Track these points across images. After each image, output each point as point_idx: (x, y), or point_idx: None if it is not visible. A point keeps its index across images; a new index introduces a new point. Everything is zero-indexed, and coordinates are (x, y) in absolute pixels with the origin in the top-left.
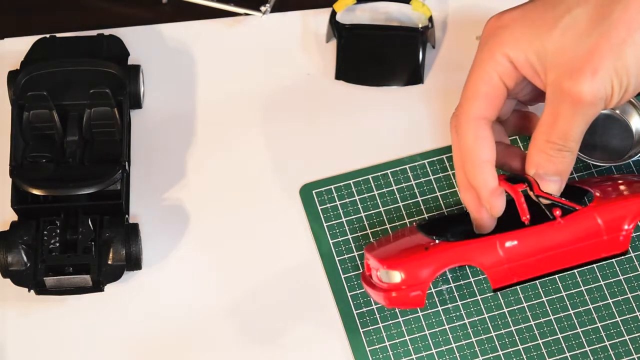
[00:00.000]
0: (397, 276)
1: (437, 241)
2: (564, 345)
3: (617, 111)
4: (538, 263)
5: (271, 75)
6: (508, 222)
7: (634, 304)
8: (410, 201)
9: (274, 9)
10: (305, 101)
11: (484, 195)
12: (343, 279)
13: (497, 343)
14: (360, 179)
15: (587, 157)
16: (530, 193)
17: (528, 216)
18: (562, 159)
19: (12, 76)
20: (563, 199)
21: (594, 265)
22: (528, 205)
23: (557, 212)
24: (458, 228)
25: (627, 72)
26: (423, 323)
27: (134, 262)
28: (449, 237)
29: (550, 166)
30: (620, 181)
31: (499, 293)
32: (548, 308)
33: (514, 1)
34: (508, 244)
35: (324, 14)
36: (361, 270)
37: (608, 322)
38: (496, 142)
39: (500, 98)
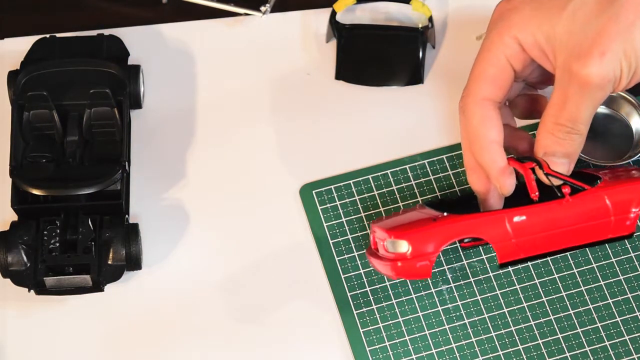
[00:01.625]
0: (404, 245)
1: (445, 214)
2: (564, 345)
3: (618, 111)
4: (545, 240)
5: (271, 75)
6: (514, 205)
7: (634, 304)
8: (410, 201)
9: (274, 9)
10: (305, 101)
11: (493, 174)
12: (343, 278)
13: (497, 343)
14: (360, 179)
15: (587, 156)
16: (540, 172)
17: (537, 193)
18: (570, 141)
19: (12, 76)
20: (572, 179)
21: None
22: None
23: (566, 190)
24: (465, 209)
25: (635, 54)
26: (423, 323)
27: (134, 262)
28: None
29: (559, 148)
30: (630, 169)
31: (499, 293)
32: (548, 308)
33: None
34: (516, 219)
35: (324, 14)
36: (366, 248)
37: (608, 322)
38: (503, 125)
39: (508, 80)
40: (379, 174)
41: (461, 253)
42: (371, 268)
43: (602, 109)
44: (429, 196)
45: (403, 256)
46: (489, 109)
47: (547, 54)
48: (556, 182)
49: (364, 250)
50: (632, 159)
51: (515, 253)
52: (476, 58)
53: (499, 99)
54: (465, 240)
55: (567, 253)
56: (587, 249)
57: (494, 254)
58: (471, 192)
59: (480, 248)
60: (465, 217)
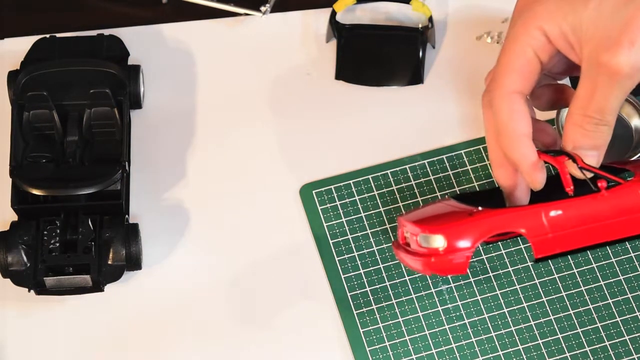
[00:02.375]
0: (439, 240)
1: (480, 208)
2: (564, 345)
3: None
4: (581, 234)
5: (271, 75)
6: (539, 199)
7: (634, 304)
8: (410, 201)
9: (274, 9)
10: (305, 101)
11: (524, 169)
12: (343, 278)
13: (497, 343)
14: (360, 179)
15: None
16: (572, 166)
17: (572, 187)
18: (599, 133)
19: (12, 76)
20: (606, 172)
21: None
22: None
23: (602, 184)
24: (487, 204)
25: None
26: (423, 323)
27: (134, 262)
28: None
29: (588, 141)
30: None
31: (499, 293)
32: (548, 308)
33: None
34: (553, 213)
35: (324, 14)
36: (393, 240)
37: (608, 322)
38: None
39: (535, 72)
40: (379, 174)
41: None
42: (371, 268)
43: None
44: (447, 191)
45: (437, 251)
46: (517, 102)
47: (572, 45)
48: (587, 175)
49: (364, 250)
50: (632, 159)
51: (551, 248)
52: (502, 51)
53: (526, 91)
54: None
55: (597, 249)
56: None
57: (494, 254)
58: (491, 187)
59: (480, 248)
60: (502, 211)
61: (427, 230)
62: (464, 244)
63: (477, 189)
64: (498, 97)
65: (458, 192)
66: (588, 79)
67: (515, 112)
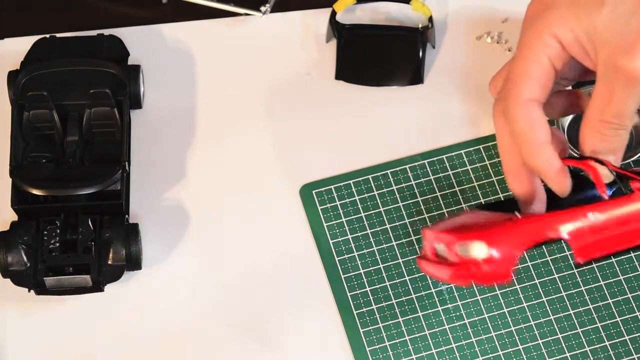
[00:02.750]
0: (481, 248)
1: (518, 215)
2: (564, 345)
3: None
4: (618, 237)
5: (271, 75)
6: (553, 206)
7: (634, 304)
8: (410, 201)
9: (274, 9)
10: (305, 101)
11: (551, 176)
12: (343, 279)
13: (497, 343)
14: (360, 179)
15: None
16: (602, 169)
17: (605, 188)
18: (617, 137)
19: (12, 76)
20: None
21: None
22: (580, 181)
23: (636, 185)
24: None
25: None
26: (423, 323)
27: (134, 262)
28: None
29: (606, 145)
30: None
31: (499, 293)
32: (548, 308)
33: (516, 2)
34: (593, 216)
35: (324, 14)
36: (417, 256)
37: (608, 322)
38: None
39: (550, 80)
40: (379, 174)
41: None
42: (371, 268)
43: None
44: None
45: (478, 261)
46: (535, 110)
47: (587, 51)
48: (611, 177)
49: (364, 250)
50: (632, 159)
51: (591, 252)
52: (515, 59)
53: (542, 99)
54: None
55: (632, 252)
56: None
57: None
58: (511, 197)
59: None
60: (544, 216)
61: (466, 238)
62: (508, 251)
63: (477, 189)
64: (515, 107)
65: (483, 203)
66: (604, 84)
67: (534, 120)
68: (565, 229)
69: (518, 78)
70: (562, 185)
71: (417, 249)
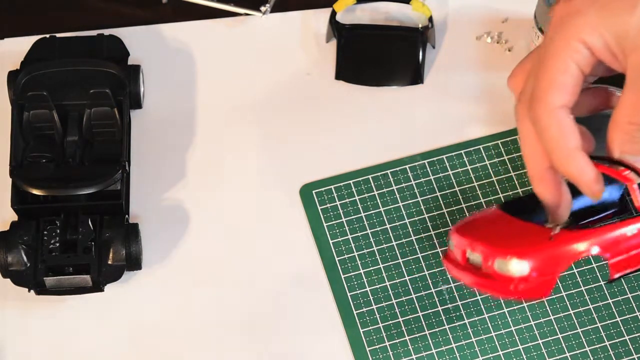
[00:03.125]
0: (522, 267)
1: (557, 230)
2: (564, 345)
3: None
4: None
5: (271, 75)
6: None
7: (634, 304)
8: (410, 201)
9: (274, 9)
10: (305, 101)
11: (585, 182)
12: (343, 278)
13: (497, 343)
14: (360, 179)
15: None
16: (637, 179)
17: None
18: None
19: (12, 76)
20: None
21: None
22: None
23: None
24: (535, 213)
25: None
26: (423, 323)
27: (134, 262)
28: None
29: (634, 147)
30: None
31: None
32: (548, 308)
33: (516, 2)
34: (630, 231)
35: (324, 14)
36: (443, 256)
37: (608, 322)
38: None
39: (579, 85)
40: (379, 174)
41: None
42: (371, 268)
43: None
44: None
45: (514, 278)
46: (564, 117)
47: (616, 55)
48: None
49: (364, 250)
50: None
51: (626, 266)
52: (542, 65)
53: (571, 105)
54: None
55: None
56: None
57: None
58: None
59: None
60: (582, 234)
61: (506, 253)
62: (550, 271)
63: (478, 189)
64: (545, 114)
65: (503, 201)
66: (634, 87)
67: (565, 126)
68: (605, 247)
69: (547, 86)
70: (596, 191)
71: (417, 249)
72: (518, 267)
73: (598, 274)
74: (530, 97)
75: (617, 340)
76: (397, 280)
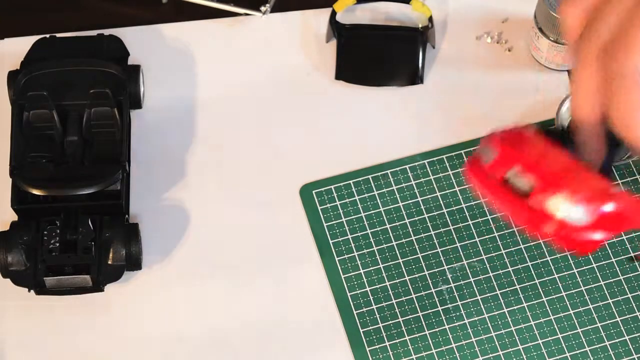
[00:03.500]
0: (582, 217)
1: (620, 189)
2: (564, 345)
3: None
4: None
5: (271, 75)
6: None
7: (634, 304)
8: (410, 201)
9: (274, 9)
10: (305, 101)
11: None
12: (343, 279)
13: (497, 343)
14: (360, 179)
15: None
16: None
17: None
18: None
19: (12, 76)
20: None
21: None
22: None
23: None
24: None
25: None
26: (423, 323)
27: (134, 262)
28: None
29: None
30: None
31: (499, 293)
32: (548, 308)
33: (516, 2)
34: None
35: (324, 14)
36: (468, 161)
37: (608, 322)
38: None
39: None
40: (379, 174)
41: (461, 253)
42: (371, 268)
43: None
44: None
45: (563, 221)
46: None
47: None
48: None
49: (364, 250)
50: (632, 159)
51: None
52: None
53: None
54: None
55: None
56: None
57: (494, 254)
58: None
59: (480, 248)
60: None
61: (573, 199)
62: (609, 228)
63: None
64: (627, 68)
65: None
66: None
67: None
68: None
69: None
70: None
71: (417, 249)
72: (577, 214)
73: (598, 274)
74: (611, 41)
75: (617, 340)
76: (397, 280)
